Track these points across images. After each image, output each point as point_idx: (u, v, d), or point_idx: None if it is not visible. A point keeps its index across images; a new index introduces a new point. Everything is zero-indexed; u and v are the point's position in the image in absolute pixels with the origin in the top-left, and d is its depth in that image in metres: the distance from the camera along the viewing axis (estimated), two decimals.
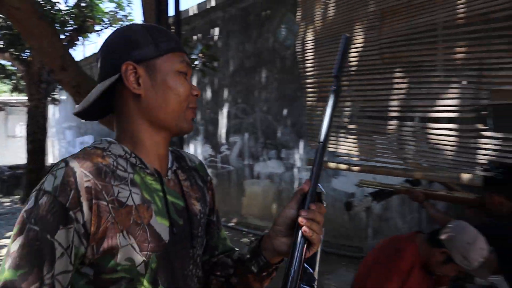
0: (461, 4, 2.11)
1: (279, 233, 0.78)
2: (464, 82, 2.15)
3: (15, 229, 0.70)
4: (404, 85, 2.39)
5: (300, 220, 0.72)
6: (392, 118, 2.47)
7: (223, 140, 6.48)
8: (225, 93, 6.44)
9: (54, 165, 0.74)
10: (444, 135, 2.26)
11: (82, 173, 0.72)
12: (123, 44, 0.79)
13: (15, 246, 0.68)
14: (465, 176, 2.06)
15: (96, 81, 0.83)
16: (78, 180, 0.71)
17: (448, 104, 2.22)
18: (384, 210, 4.43)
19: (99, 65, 0.82)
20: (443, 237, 1.66)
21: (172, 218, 0.80)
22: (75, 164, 0.72)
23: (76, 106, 0.80)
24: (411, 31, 2.30)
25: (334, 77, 0.79)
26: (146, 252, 0.75)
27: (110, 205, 0.72)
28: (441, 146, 2.24)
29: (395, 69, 2.44)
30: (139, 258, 0.74)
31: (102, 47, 0.82)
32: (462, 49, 2.13)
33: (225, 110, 6.45)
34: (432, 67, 2.28)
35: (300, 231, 0.72)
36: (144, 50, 0.79)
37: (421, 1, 2.24)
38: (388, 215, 4.42)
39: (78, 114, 0.83)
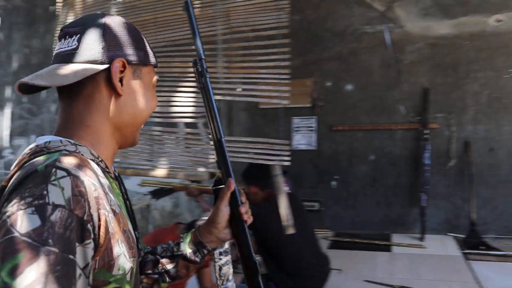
0: (224, 20, 2.34)
1: (221, 227, 0.88)
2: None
3: (20, 257, 0.54)
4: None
5: (243, 215, 0.87)
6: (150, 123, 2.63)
7: (6, 144, 5.93)
8: (8, 91, 5.92)
9: (41, 175, 0.61)
10: (182, 137, 2.63)
11: (89, 182, 0.64)
12: (124, 38, 0.75)
13: (31, 277, 0.53)
14: (200, 172, 2.43)
15: (59, 50, 0.74)
16: (88, 190, 0.63)
17: (184, 111, 2.55)
18: (174, 207, 5.00)
19: (79, 40, 0.73)
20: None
21: (134, 221, 0.81)
22: (78, 173, 0.64)
23: (30, 77, 0.69)
24: (169, 43, 2.47)
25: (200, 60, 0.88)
26: (132, 258, 0.71)
27: (110, 215, 0.67)
28: (181, 148, 2.55)
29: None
30: (128, 265, 0.70)
31: (99, 27, 0.74)
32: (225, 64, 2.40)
33: (7, 111, 5.92)
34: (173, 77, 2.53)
35: (244, 222, 0.87)
36: (139, 53, 0.77)
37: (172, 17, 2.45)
38: (178, 211, 5.01)
39: (24, 87, 0.72)
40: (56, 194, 0.59)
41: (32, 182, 0.61)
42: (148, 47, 0.80)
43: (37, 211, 0.57)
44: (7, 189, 0.65)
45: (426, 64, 4.39)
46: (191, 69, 0.88)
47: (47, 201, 0.58)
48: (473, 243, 4.11)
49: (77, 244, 0.59)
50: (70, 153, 0.67)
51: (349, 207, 4.67)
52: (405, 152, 4.49)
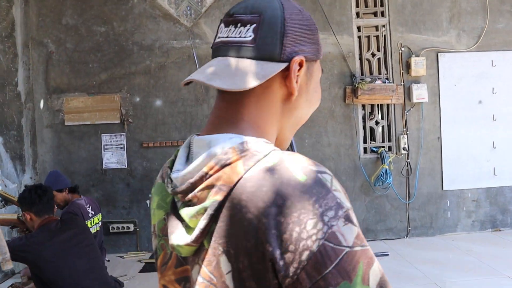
0: None
1: None
2: None
3: (361, 267, 0.52)
4: None
5: None
6: None
7: None
8: None
9: (316, 185, 0.53)
10: None
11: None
12: (303, 30, 0.65)
13: (376, 277, 0.53)
14: None
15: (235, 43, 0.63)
16: None
17: None
18: None
19: (255, 31, 0.62)
20: None
21: None
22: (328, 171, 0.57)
23: (206, 76, 0.61)
24: None
25: None
26: None
27: None
28: None
29: None
30: None
31: (278, 18, 0.63)
32: None
33: None
34: None
35: None
36: (314, 47, 0.67)
37: None
38: None
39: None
40: (343, 198, 0.55)
41: (312, 197, 0.52)
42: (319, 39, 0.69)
43: (347, 220, 0.53)
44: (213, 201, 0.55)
45: None
46: None
47: (346, 207, 0.54)
48: None
49: None
50: (284, 152, 0.58)
51: None
52: None
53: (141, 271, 4.01)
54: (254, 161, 0.56)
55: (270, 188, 0.53)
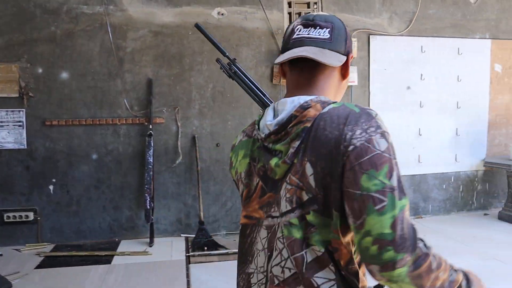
0: None
1: None
2: None
3: (387, 166, 0.80)
4: None
5: None
6: None
7: None
8: None
9: (363, 114, 0.86)
10: None
11: None
12: (349, 36, 1.02)
13: (396, 178, 0.81)
14: None
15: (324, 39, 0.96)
16: None
17: None
18: None
19: (330, 33, 0.96)
20: None
21: None
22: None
23: (314, 52, 0.93)
24: None
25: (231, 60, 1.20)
26: None
27: None
28: None
29: None
30: None
31: (342, 28, 0.99)
32: None
33: None
34: None
35: None
36: (352, 46, 1.19)
37: None
38: None
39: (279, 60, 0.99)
40: (383, 125, 0.85)
41: (362, 119, 0.84)
42: None
43: (383, 136, 0.83)
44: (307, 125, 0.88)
45: (151, 53, 4.09)
46: None
47: (384, 129, 0.84)
48: (199, 244, 3.96)
49: None
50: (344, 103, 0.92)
51: (72, 214, 4.08)
52: (130, 150, 4.12)
53: (37, 267, 3.55)
54: (327, 104, 0.90)
55: (338, 116, 0.86)
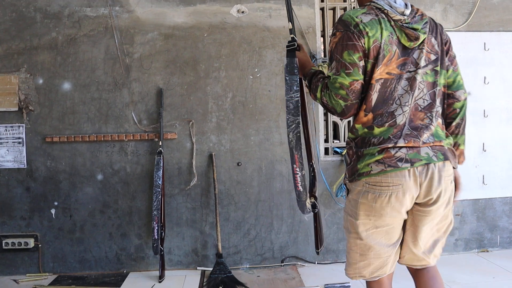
0: None
1: None
2: None
3: None
4: None
5: None
6: None
7: None
8: None
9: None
10: None
11: None
12: None
13: None
14: None
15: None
16: None
17: None
18: None
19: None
20: None
21: None
22: None
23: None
24: None
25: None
26: None
27: None
28: None
29: None
30: None
31: None
32: None
33: None
34: None
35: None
36: None
37: None
38: None
39: None
40: None
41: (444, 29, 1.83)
42: None
43: None
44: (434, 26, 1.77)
45: (161, 59, 3.60)
46: None
47: None
48: (216, 281, 3.40)
49: None
50: None
51: (75, 242, 3.64)
52: (139, 169, 3.63)
53: None
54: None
55: (439, 24, 1.80)
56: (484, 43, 3.92)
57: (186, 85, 3.63)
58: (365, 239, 1.69)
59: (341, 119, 3.75)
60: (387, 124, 1.61)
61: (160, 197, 3.44)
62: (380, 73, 1.61)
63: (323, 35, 3.76)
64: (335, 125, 3.83)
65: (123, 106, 3.61)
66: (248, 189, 3.70)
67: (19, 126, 3.61)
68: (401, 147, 1.59)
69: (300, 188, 1.91)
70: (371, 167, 1.59)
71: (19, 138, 3.62)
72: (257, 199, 3.71)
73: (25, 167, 3.61)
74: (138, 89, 3.61)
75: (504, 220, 3.97)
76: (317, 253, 2.26)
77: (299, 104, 1.88)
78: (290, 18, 1.93)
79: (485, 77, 3.93)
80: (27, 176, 3.62)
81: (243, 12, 3.64)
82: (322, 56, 3.74)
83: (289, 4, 1.94)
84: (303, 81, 1.90)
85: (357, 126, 1.66)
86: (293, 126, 1.86)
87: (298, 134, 1.88)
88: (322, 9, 3.74)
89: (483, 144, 3.93)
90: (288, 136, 1.85)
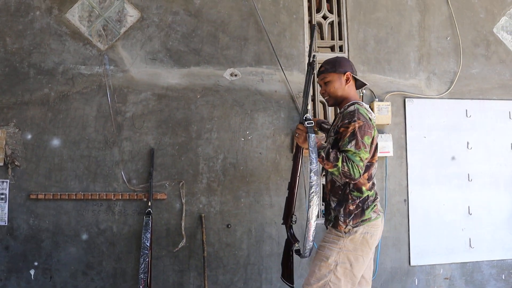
0: None
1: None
2: None
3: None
4: None
5: None
6: None
7: None
8: None
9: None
10: None
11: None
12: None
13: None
14: None
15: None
16: None
17: None
18: None
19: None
20: None
21: None
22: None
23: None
24: None
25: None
26: None
27: None
28: None
29: None
30: None
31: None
32: None
33: None
34: None
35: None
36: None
37: None
38: None
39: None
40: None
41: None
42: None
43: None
44: None
45: (153, 118, 3.62)
46: None
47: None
48: None
49: None
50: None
51: None
52: (126, 230, 3.55)
53: None
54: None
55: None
56: (466, 110, 4.10)
57: (178, 146, 3.64)
58: (357, 275, 2.48)
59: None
60: (374, 188, 2.52)
61: (147, 259, 3.34)
62: (375, 157, 2.53)
63: (313, 100, 3.86)
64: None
65: (112, 165, 3.57)
66: (237, 251, 3.64)
67: (2, 182, 3.51)
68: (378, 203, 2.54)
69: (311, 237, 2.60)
70: (371, 215, 2.44)
71: (2, 194, 3.51)
72: (246, 262, 3.64)
73: (6, 224, 3.48)
74: (129, 148, 3.59)
75: (492, 283, 3.99)
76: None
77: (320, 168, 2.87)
78: (305, 103, 2.78)
79: (468, 142, 4.08)
80: (7, 234, 3.49)
81: (236, 75, 3.73)
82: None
83: (307, 89, 2.84)
84: (317, 151, 2.42)
85: (363, 189, 2.44)
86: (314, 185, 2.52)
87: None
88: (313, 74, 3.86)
89: (469, 207, 4.01)
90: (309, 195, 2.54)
